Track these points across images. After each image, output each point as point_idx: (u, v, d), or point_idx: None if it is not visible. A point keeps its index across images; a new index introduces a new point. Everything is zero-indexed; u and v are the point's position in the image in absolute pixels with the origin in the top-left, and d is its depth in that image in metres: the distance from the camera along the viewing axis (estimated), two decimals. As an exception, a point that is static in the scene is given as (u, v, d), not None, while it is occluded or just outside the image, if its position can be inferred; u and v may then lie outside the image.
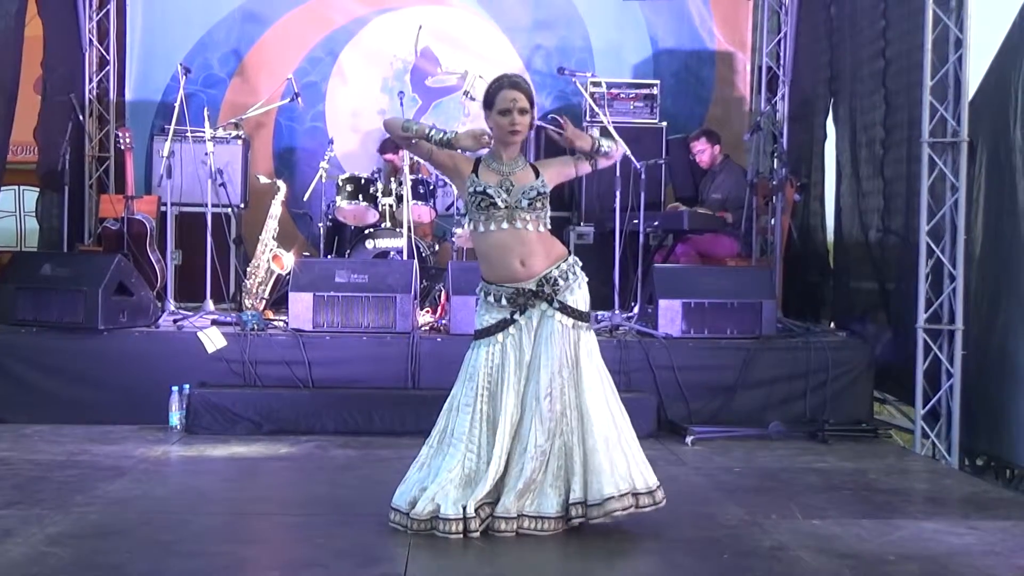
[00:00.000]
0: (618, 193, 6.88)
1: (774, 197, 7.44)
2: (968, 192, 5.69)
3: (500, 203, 3.92)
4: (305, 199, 8.01)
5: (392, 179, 7.83)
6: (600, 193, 7.59)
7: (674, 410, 6.10)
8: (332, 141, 8.13)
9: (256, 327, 6.26)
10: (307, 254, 7.93)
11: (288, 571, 3.61)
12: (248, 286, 7.21)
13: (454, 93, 8.72)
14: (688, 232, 7.54)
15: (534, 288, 3.93)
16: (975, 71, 5.77)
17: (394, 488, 4.01)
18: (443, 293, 6.75)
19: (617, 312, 6.79)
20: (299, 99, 7.89)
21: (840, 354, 6.30)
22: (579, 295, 3.98)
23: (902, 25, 6.28)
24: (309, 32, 8.79)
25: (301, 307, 6.30)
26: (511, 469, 3.89)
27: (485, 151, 4.04)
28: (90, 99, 8.45)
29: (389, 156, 8.25)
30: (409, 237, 7.22)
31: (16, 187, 9.20)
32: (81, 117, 8.07)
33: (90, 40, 8.40)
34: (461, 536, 3.78)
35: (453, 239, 7.63)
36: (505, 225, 3.93)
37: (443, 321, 6.56)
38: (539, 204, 3.96)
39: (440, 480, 3.87)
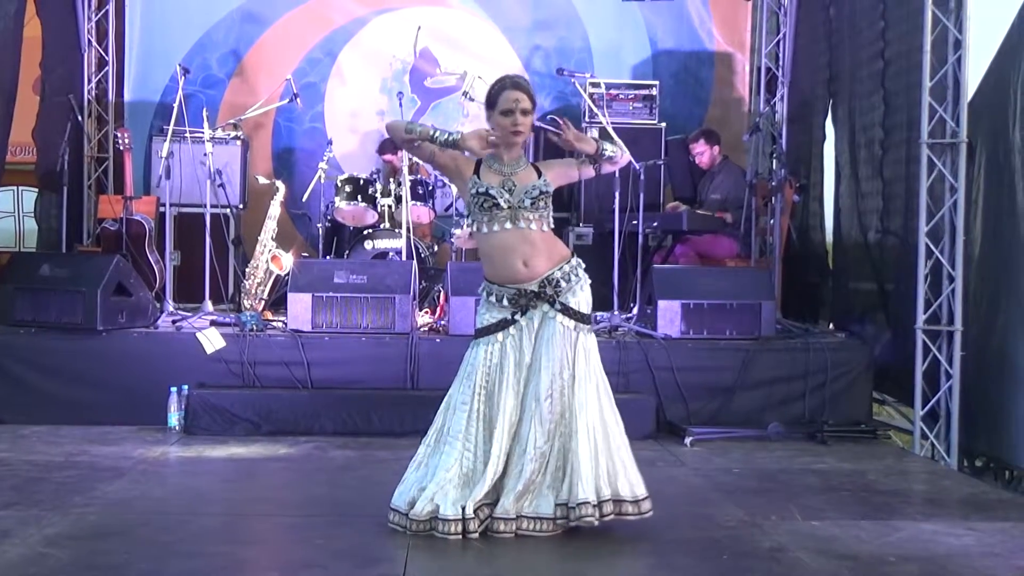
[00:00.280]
0: (617, 194, 6.88)
1: (773, 198, 7.44)
2: (967, 193, 5.69)
3: (503, 203, 3.91)
4: (304, 200, 8.02)
5: (391, 180, 7.82)
6: (599, 194, 7.58)
7: (673, 411, 6.10)
8: (331, 142, 8.13)
9: (255, 328, 6.25)
10: (306, 255, 7.92)
11: (287, 572, 3.61)
12: (247, 287, 7.21)
13: (453, 94, 8.72)
14: (687, 233, 7.54)
15: (536, 289, 3.93)
16: (974, 72, 5.77)
17: (393, 489, 4.01)
18: (442, 294, 6.75)
19: (616, 313, 6.78)
20: (298, 100, 7.89)
21: (839, 355, 6.30)
22: (581, 297, 3.98)
23: (901, 26, 6.29)
24: (308, 33, 8.79)
25: (300, 308, 6.29)
26: (510, 470, 3.88)
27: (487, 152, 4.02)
28: (89, 99, 8.45)
29: (388, 157, 8.24)
30: (408, 238, 7.22)
31: (15, 188, 9.18)
32: (80, 118, 8.06)
33: (89, 40, 8.40)
34: (460, 537, 3.77)
35: (452, 240, 7.63)
36: (508, 225, 3.92)
37: (442, 322, 6.56)
38: (542, 204, 3.95)
39: (438, 479, 3.87)
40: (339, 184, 7.70)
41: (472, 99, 7.76)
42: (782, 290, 7.40)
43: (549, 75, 8.44)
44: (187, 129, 7.25)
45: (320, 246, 7.76)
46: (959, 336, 5.65)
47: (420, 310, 6.86)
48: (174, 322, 6.48)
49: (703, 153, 7.86)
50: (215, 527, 4.13)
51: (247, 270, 7.29)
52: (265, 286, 7.23)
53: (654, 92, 8.34)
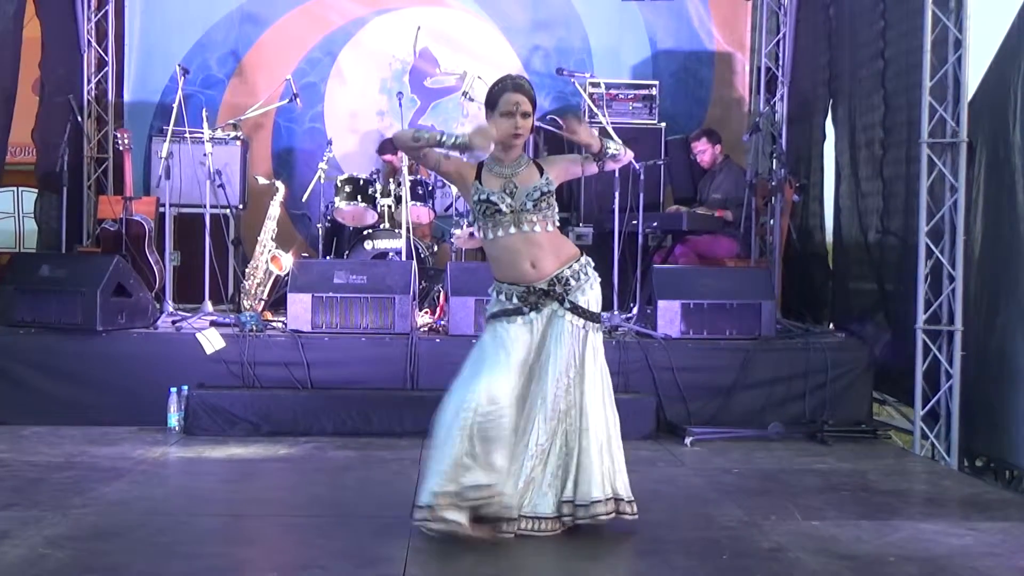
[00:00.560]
0: (617, 194, 6.88)
1: (773, 198, 7.44)
2: (967, 193, 5.69)
3: (505, 208, 3.89)
4: (304, 200, 8.01)
5: (391, 180, 7.82)
6: (599, 193, 7.58)
7: (673, 411, 6.10)
8: (331, 142, 8.12)
9: (255, 328, 6.25)
10: (306, 255, 7.92)
11: (286, 572, 3.61)
12: (247, 287, 7.21)
13: (453, 94, 8.72)
14: (687, 233, 7.54)
15: (545, 288, 3.91)
16: (974, 72, 5.77)
17: (392, 489, 4.00)
18: (442, 294, 6.75)
19: (616, 313, 6.78)
20: (298, 100, 7.89)
21: (839, 355, 6.30)
22: (591, 295, 3.97)
23: (901, 26, 6.28)
24: (307, 33, 8.79)
25: (300, 308, 6.29)
26: (511, 466, 3.88)
27: (486, 156, 4.00)
28: (88, 100, 8.45)
29: (388, 157, 8.24)
30: (408, 238, 7.22)
31: (15, 188, 9.19)
32: (80, 118, 8.06)
33: (88, 41, 8.40)
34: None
35: (452, 240, 7.62)
36: (512, 230, 3.91)
37: (442, 322, 6.56)
38: (544, 204, 3.93)
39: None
40: (339, 184, 7.70)
41: (472, 99, 7.76)
42: (782, 290, 7.41)
43: (549, 75, 8.43)
44: (187, 129, 7.24)
45: (320, 246, 7.75)
46: (959, 336, 5.65)
47: (420, 310, 6.86)
48: (174, 323, 6.48)
49: (704, 152, 7.86)
50: (215, 528, 4.13)
51: (247, 270, 7.29)
52: (265, 286, 7.23)
53: (654, 92, 8.34)
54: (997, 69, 5.78)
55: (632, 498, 3.95)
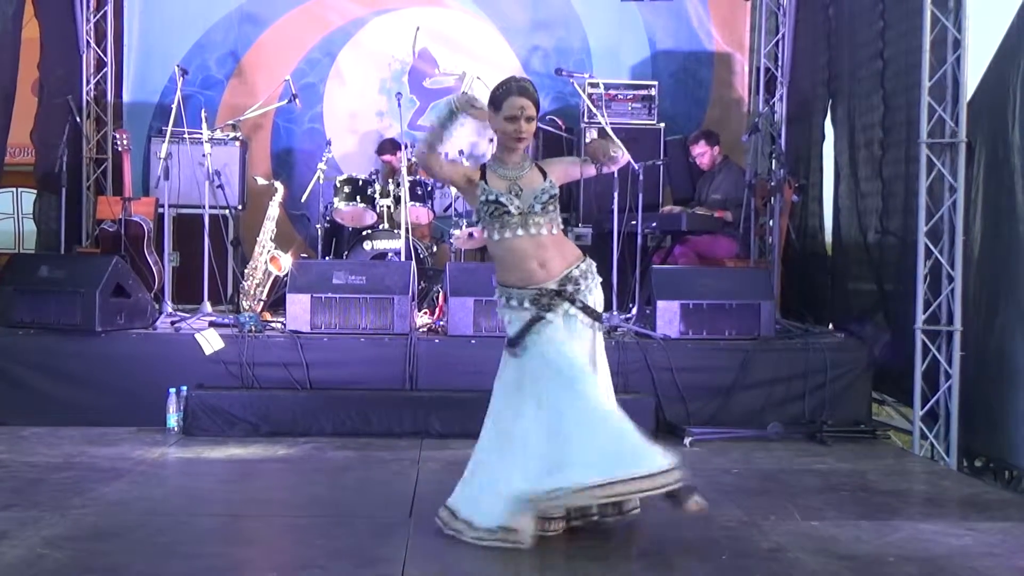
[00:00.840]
0: (616, 194, 6.88)
1: (772, 198, 7.44)
2: (966, 193, 5.69)
3: (513, 210, 3.88)
4: (303, 200, 8.02)
5: (390, 180, 7.83)
6: (598, 194, 7.58)
7: (672, 411, 6.09)
8: (330, 142, 8.13)
9: (254, 329, 6.24)
10: (305, 255, 7.92)
11: (286, 572, 3.61)
12: (246, 288, 7.21)
13: (452, 94, 8.69)
14: (686, 233, 7.54)
15: (556, 288, 3.90)
16: (973, 72, 5.77)
17: (392, 489, 4.00)
18: (441, 294, 6.75)
19: (615, 313, 6.78)
20: (297, 100, 7.90)
21: (839, 355, 6.30)
22: (596, 296, 3.98)
23: (900, 26, 6.28)
24: (307, 33, 8.79)
25: (299, 308, 6.29)
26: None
27: (488, 157, 4.01)
28: (87, 101, 8.45)
29: (387, 157, 8.25)
30: (407, 238, 7.22)
31: (14, 189, 9.20)
32: (79, 119, 8.06)
33: (87, 42, 8.40)
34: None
35: (451, 240, 7.62)
36: (520, 232, 3.89)
37: (441, 322, 6.55)
38: (551, 207, 3.93)
39: None
40: (338, 185, 7.70)
41: (471, 99, 7.75)
42: (782, 290, 7.40)
43: (548, 75, 8.43)
44: (186, 130, 7.26)
45: (319, 247, 7.75)
46: (958, 336, 5.65)
47: (419, 311, 6.86)
48: (173, 323, 6.48)
49: (704, 154, 7.85)
50: (214, 528, 4.13)
51: (246, 271, 7.29)
52: (264, 287, 7.23)
53: (653, 92, 8.34)
54: (996, 69, 5.79)
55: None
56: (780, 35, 8.49)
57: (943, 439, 5.69)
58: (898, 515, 4.41)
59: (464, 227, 7.57)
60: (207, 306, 6.94)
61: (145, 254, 7.27)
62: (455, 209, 7.96)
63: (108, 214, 7.42)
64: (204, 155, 7.13)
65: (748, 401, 6.19)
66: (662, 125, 8.25)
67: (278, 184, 7.54)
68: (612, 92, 8.24)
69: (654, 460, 3.64)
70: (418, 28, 8.50)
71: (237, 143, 8.11)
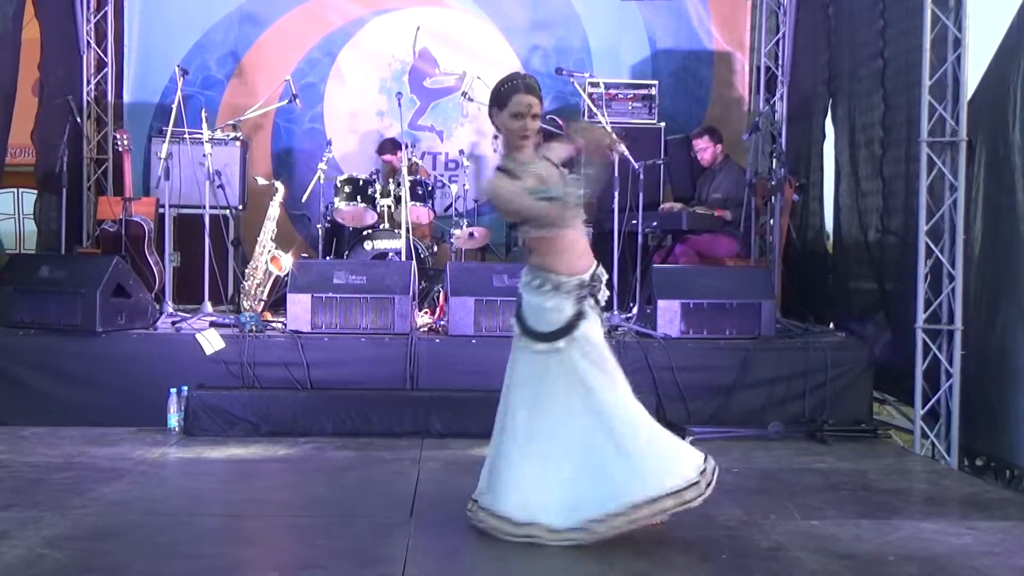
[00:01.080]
0: (616, 193, 6.88)
1: (773, 197, 7.44)
2: (967, 192, 5.68)
3: (573, 200, 3.92)
4: (303, 200, 8.03)
5: (390, 180, 7.83)
6: (598, 193, 7.56)
7: (673, 410, 6.09)
8: (330, 142, 8.13)
9: (254, 329, 6.25)
10: (305, 255, 7.92)
11: (286, 572, 3.60)
12: (246, 288, 7.21)
13: (452, 94, 8.73)
14: (687, 232, 7.54)
15: (590, 280, 3.94)
16: (974, 70, 5.76)
17: (392, 489, 4.00)
18: (441, 294, 6.75)
19: (616, 313, 6.78)
20: (297, 100, 7.89)
21: (839, 354, 6.29)
22: (603, 294, 4.03)
23: (900, 25, 6.28)
24: (307, 33, 8.80)
25: (299, 308, 6.29)
26: None
27: (500, 159, 3.98)
28: (88, 101, 8.45)
29: (387, 157, 8.25)
30: (407, 238, 7.22)
31: (14, 189, 9.21)
32: (79, 119, 8.06)
33: (88, 42, 8.40)
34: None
35: (451, 240, 7.62)
36: (573, 221, 4.01)
37: (441, 322, 6.55)
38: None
39: None
40: (338, 185, 7.70)
41: (471, 99, 7.77)
42: (782, 290, 7.40)
43: (548, 75, 8.41)
44: (186, 130, 7.25)
45: (319, 247, 7.76)
46: (959, 335, 5.64)
47: (419, 310, 6.86)
48: (173, 323, 6.48)
49: (706, 150, 7.85)
50: (214, 528, 4.13)
51: (246, 271, 7.29)
52: (264, 287, 7.23)
53: (653, 92, 8.35)
54: (996, 68, 5.78)
55: None
56: (780, 34, 8.49)
57: (944, 438, 5.69)
58: (898, 514, 4.41)
59: (464, 227, 7.58)
60: (208, 306, 6.94)
61: (146, 254, 7.27)
62: (455, 209, 7.96)
63: (109, 214, 7.42)
64: (204, 155, 7.12)
65: (749, 400, 6.18)
66: (662, 124, 8.26)
67: (278, 184, 7.53)
68: (612, 91, 8.25)
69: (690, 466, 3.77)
70: (418, 28, 8.51)
71: (237, 143, 8.11)
